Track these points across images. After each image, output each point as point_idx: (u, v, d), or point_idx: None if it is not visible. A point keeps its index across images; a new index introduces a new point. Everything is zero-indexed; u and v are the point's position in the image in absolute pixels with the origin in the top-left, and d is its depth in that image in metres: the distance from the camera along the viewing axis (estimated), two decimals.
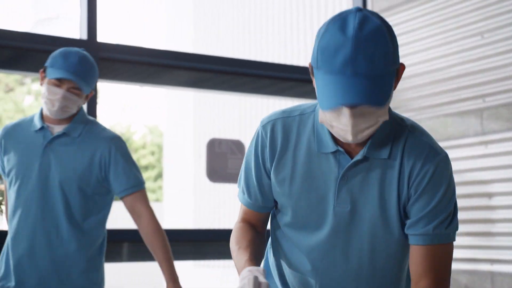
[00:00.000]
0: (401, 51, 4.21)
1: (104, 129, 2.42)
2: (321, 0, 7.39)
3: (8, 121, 14.41)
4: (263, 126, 1.56)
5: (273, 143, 1.54)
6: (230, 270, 9.45)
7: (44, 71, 2.32)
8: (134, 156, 17.00)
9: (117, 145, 2.38)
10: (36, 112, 2.42)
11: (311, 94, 4.56)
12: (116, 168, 2.36)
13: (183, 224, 11.01)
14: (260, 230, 1.66)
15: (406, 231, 1.52)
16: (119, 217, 5.18)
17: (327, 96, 1.36)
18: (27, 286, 2.29)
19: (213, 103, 10.68)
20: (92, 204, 2.36)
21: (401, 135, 1.50)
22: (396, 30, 4.25)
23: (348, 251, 1.54)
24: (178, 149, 11.85)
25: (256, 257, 1.54)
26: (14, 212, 2.32)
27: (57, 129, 2.35)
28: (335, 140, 1.49)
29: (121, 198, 2.40)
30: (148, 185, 19.80)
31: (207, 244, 3.85)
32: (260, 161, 1.56)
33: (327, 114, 1.40)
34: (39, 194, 2.30)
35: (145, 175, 20.10)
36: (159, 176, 19.02)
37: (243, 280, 1.41)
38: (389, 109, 1.50)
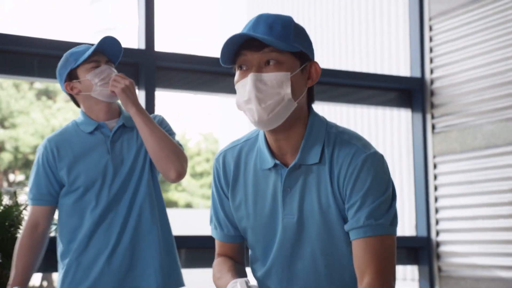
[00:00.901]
0: (460, 55, 4.13)
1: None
2: (376, 10, 7.32)
3: None
4: (216, 160, 1.68)
5: (225, 172, 1.65)
6: None
7: (70, 77, 2.33)
8: (190, 163, 17.14)
9: (164, 120, 2.40)
10: (72, 122, 2.39)
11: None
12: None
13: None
14: (238, 261, 1.71)
15: (345, 229, 1.55)
16: (174, 225, 5.23)
17: (227, 51, 1.51)
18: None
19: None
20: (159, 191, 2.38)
21: (329, 139, 1.57)
22: (454, 34, 4.16)
23: (304, 261, 1.59)
24: None
25: (240, 276, 1.61)
26: (98, 216, 2.27)
27: (113, 124, 2.34)
28: (273, 155, 1.58)
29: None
30: (203, 191, 19.96)
31: None
32: (221, 192, 1.66)
33: (238, 87, 1.53)
34: (120, 190, 2.28)
35: (200, 182, 20.25)
36: None
37: (233, 286, 1.50)
38: (321, 117, 1.60)
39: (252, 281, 1.63)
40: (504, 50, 3.88)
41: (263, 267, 1.64)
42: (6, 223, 2.57)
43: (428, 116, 4.34)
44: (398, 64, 6.95)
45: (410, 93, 4.46)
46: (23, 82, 14.95)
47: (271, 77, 1.49)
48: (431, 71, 4.32)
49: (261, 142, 1.60)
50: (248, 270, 1.73)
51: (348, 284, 1.59)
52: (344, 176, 1.53)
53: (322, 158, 1.55)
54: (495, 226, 3.87)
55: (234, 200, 1.64)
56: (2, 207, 2.61)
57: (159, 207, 2.36)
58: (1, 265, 2.55)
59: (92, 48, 2.29)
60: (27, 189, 2.73)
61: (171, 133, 2.37)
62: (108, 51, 2.33)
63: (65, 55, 2.36)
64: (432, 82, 4.32)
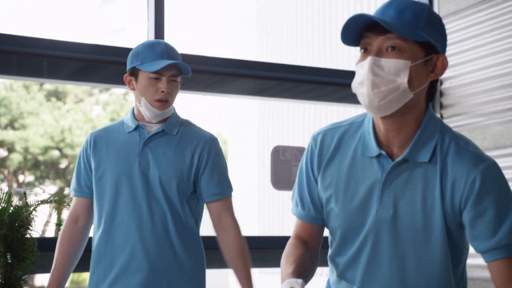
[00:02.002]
0: (470, 55, 4.11)
1: (200, 128, 2.38)
2: None
3: (78, 131, 14.84)
4: (314, 138, 1.63)
5: (321, 152, 1.60)
6: None
7: (133, 73, 2.28)
8: None
9: (216, 145, 2.34)
10: (124, 117, 2.39)
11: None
12: (212, 170, 2.30)
13: (247, 231, 11.06)
14: (312, 247, 1.66)
15: (477, 250, 1.49)
16: None
17: (351, 30, 1.46)
18: None
19: (278, 111, 10.69)
20: (188, 208, 2.31)
21: (444, 141, 1.51)
22: (464, 34, 4.15)
23: (391, 257, 1.53)
24: (243, 156, 11.91)
25: (300, 271, 1.55)
26: (112, 214, 2.26)
27: (154, 127, 2.30)
28: (379, 144, 1.52)
29: (207, 204, 2.32)
30: None
31: (271, 251, 3.84)
32: (310, 171, 1.61)
33: (357, 69, 1.48)
34: (142, 194, 2.24)
35: None
36: None
37: None
38: (437, 118, 1.54)
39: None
40: None
41: (343, 256, 1.59)
42: (16, 224, 2.58)
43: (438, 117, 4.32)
44: None
45: None
46: (33, 83, 15.01)
47: (389, 63, 1.44)
48: None
49: (367, 128, 1.55)
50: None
51: None
52: (463, 187, 1.47)
53: (433, 158, 1.50)
54: None
55: (323, 180, 1.59)
56: (12, 208, 2.62)
57: (187, 230, 2.29)
58: (10, 265, 2.56)
59: (159, 64, 2.21)
60: (36, 190, 2.75)
61: (225, 166, 2.34)
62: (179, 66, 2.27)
63: (140, 46, 2.29)
64: (441, 82, 4.31)
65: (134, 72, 2.28)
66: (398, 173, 1.51)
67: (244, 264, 2.30)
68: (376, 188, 1.52)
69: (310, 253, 1.63)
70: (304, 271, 1.56)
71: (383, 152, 1.51)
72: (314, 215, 1.64)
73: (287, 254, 1.61)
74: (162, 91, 2.24)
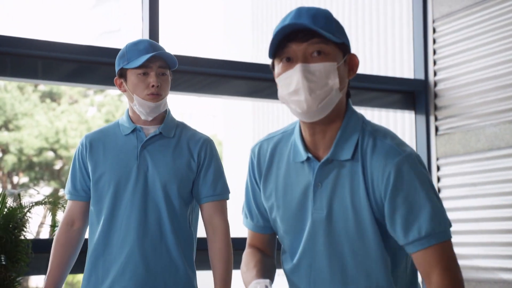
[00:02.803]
0: (464, 57, 4.12)
1: (196, 130, 2.38)
2: (380, 12, 7.32)
3: (73, 132, 14.81)
4: (252, 150, 1.70)
5: (259, 163, 1.66)
6: None
7: (121, 75, 2.28)
8: None
9: (213, 147, 2.34)
10: (119, 118, 2.38)
11: (371, 101, 4.51)
12: (207, 171, 2.30)
13: (242, 232, 11.04)
14: (267, 253, 1.73)
15: (399, 242, 1.52)
16: None
17: (273, 42, 1.48)
18: None
19: (272, 112, 10.70)
20: (187, 210, 2.30)
21: (364, 137, 1.55)
22: (458, 36, 4.16)
23: (330, 256, 1.57)
24: (237, 157, 11.91)
25: (264, 273, 1.61)
26: (110, 217, 2.25)
27: (151, 130, 2.30)
28: (307, 149, 1.57)
29: (201, 205, 2.32)
30: None
31: None
32: (254, 182, 1.69)
33: (281, 80, 1.50)
34: (141, 197, 2.24)
35: None
36: None
37: None
38: (358, 114, 1.59)
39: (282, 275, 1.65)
40: (508, 52, 3.87)
41: (291, 261, 1.64)
42: (10, 225, 2.58)
43: (432, 118, 4.33)
44: (401, 66, 6.94)
45: (414, 95, 4.46)
46: (27, 85, 14.98)
47: (319, 67, 1.48)
48: (435, 73, 4.31)
49: (296, 135, 1.60)
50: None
51: (375, 286, 1.56)
52: (380, 179, 1.50)
53: (355, 155, 1.53)
54: (498, 228, 3.87)
55: (265, 190, 1.65)
56: (6, 209, 2.61)
57: (184, 235, 2.28)
58: (5, 267, 2.56)
59: (143, 58, 2.22)
60: (31, 191, 2.74)
61: (221, 168, 2.33)
62: (163, 56, 2.27)
63: (125, 47, 2.30)
64: (435, 84, 4.32)
65: (123, 73, 2.29)
66: (326, 173, 1.55)
67: (224, 268, 2.28)
68: (309, 191, 1.57)
69: (267, 258, 1.70)
70: (267, 272, 1.62)
71: (310, 155, 1.56)
72: (263, 224, 1.71)
73: (247, 262, 1.66)
74: (152, 85, 2.24)
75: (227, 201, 2.39)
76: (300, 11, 1.50)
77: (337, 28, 1.52)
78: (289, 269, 1.65)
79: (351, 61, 1.56)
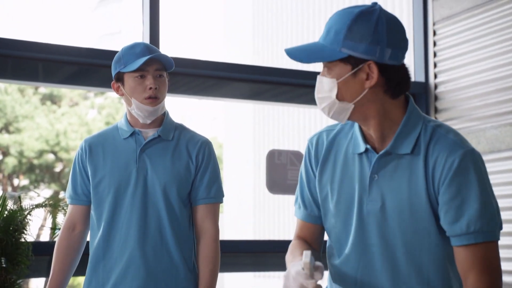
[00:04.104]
0: (464, 59, 4.12)
1: (195, 132, 2.38)
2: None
3: (73, 135, 14.82)
4: (310, 140, 1.74)
5: (317, 152, 1.69)
6: None
7: (119, 79, 2.28)
8: None
9: (211, 149, 2.34)
10: (118, 121, 2.38)
11: None
12: (203, 174, 2.30)
13: (243, 235, 11.04)
14: (314, 247, 1.71)
15: (446, 232, 1.53)
16: None
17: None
18: None
19: (273, 114, 10.70)
20: (187, 213, 2.30)
21: (426, 132, 1.57)
22: (459, 38, 4.16)
23: (382, 248, 1.58)
24: (238, 160, 11.91)
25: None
26: (110, 221, 2.25)
27: (150, 133, 2.30)
28: (366, 141, 1.61)
29: (194, 207, 2.31)
30: None
31: (266, 255, 3.84)
32: (310, 171, 1.70)
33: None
34: (140, 201, 2.23)
35: None
36: None
37: (296, 267, 1.47)
38: (419, 111, 1.61)
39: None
40: (509, 55, 3.87)
41: (338, 255, 1.64)
42: (11, 228, 2.58)
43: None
44: None
45: (414, 97, 4.46)
46: (28, 87, 14.99)
47: (324, 80, 1.58)
48: (435, 76, 4.31)
49: (356, 128, 1.64)
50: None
51: (426, 282, 1.56)
52: (440, 171, 1.52)
53: (416, 149, 1.55)
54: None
55: (321, 179, 1.67)
56: (6, 212, 2.61)
57: (180, 233, 2.28)
58: (5, 269, 2.55)
59: (140, 61, 2.22)
60: (31, 193, 2.73)
61: (218, 170, 2.33)
62: (160, 58, 2.28)
63: (120, 51, 2.30)
64: (436, 86, 4.32)
65: (120, 77, 2.29)
66: (383, 165, 1.58)
67: (209, 273, 2.27)
68: (365, 182, 1.60)
69: (314, 251, 1.67)
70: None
71: (369, 147, 1.60)
72: (316, 214, 1.70)
73: (292, 250, 1.65)
74: (150, 88, 2.24)
75: (221, 204, 2.39)
76: (330, 19, 1.58)
77: (346, 39, 1.52)
78: (337, 262, 1.65)
79: (368, 70, 1.54)
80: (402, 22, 1.60)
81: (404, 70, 1.58)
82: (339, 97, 1.55)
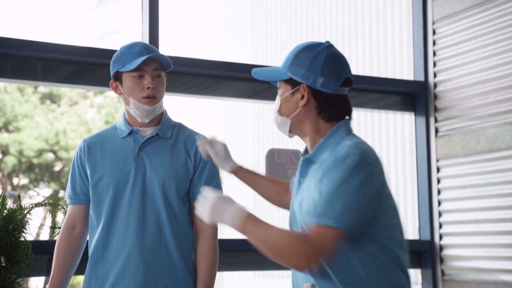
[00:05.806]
0: (464, 59, 4.13)
1: (193, 130, 2.39)
2: (380, 13, 7.33)
3: (73, 134, 14.81)
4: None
5: None
6: (290, 280, 9.37)
7: (117, 78, 2.30)
8: None
9: None
10: (117, 121, 2.39)
11: (371, 103, 4.51)
12: (202, 171, 2.32)
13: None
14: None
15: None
16: None
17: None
18: None
19: (272, 114, 10.69)
20: (186, 211, 2.31)
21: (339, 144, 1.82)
22: (458, 37, 4.16)
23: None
24: (237, 159, 11.91)
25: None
26: (109, 219, 2.26)
27: (148, 131, 2.31)
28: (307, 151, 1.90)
29: (193, 205, 2.30)
30: None
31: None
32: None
33: None
34: (139, 199, 2.24)
35: None
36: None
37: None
38: (342, 133, 1.80)
39: None
40: (508, 54, 3.88)
41: None
42: (10, 227, 2.58)
43: (431, 120, 4.33)
44: (401, 67, 6.95)
45: (414, 96, 4.46)
46: (27, 86, 14.98)
47: (276, 98, 1.89)
48: (435, 75, 4.32)
49: None
50: None
51: None
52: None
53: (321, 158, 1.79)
54: (499, 230, 3.87)
55: None
56: (6, 211, 2.61)
57: (181, 232, 2.28)
58: (4, 269, 2.56)
59: (138, 61, 2.23)
60: (31, 192, 2.73)
61: (216, 168, 2.35)
62: (159, 58, 2.28)
63: (119, 50, 2.31)
64: (435, 85, 4.32)
65: (118, 77, 2.29)
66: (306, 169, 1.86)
67: (207, 270, 2.28)
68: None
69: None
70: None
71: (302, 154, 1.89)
72: None
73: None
74: (148, 87, 2.25)
75: None
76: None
77: (293, 64, 1.81)
78: None
79: (302, 91, 1.80)
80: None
81: (341, 99, 1.80)
82: (280, 112, 1.87)
